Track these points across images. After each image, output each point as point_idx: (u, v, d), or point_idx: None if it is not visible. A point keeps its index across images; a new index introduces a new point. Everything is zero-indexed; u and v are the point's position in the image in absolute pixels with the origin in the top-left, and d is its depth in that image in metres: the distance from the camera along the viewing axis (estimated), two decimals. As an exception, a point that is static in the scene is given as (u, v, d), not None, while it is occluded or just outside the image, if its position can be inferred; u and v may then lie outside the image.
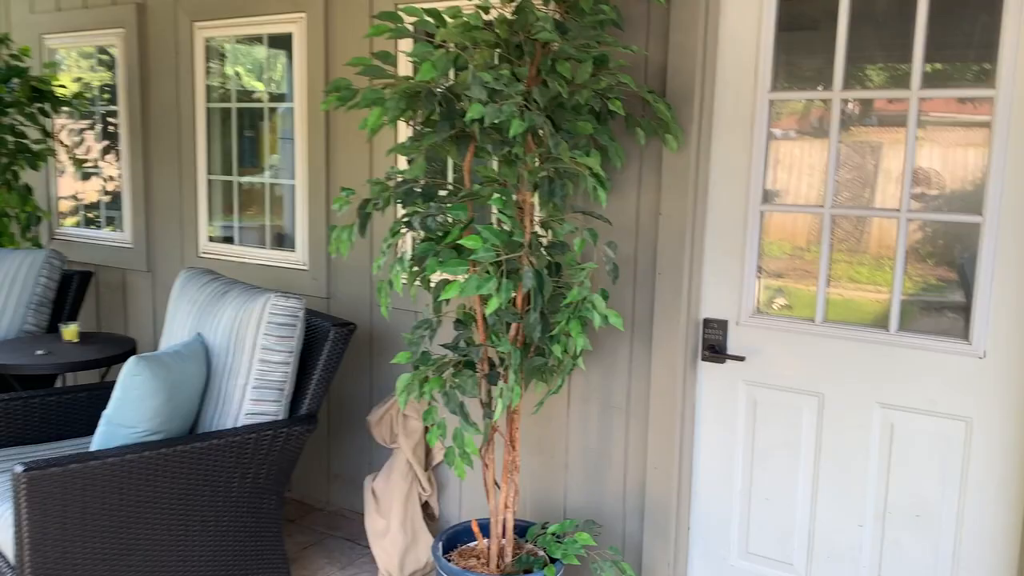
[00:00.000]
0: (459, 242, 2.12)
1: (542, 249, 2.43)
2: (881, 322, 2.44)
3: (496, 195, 2.25)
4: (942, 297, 2.37)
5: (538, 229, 2.53)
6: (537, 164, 2.29)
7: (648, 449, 2.73)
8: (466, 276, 2.15)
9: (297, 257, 3.65)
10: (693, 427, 2.76)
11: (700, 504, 2.78)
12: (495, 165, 2.45)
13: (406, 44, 3.12)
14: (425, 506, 3.22)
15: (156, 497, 2.41)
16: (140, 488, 2.37)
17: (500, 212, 2.23)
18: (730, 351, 2.65)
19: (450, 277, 2.86)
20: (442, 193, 2.40)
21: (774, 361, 2.59)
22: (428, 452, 3.23)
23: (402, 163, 3.23)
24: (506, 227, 2.26)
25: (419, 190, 2.33)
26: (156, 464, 2.38)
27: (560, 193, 2.44)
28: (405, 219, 2.30)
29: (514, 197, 2.35)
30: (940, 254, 2.36)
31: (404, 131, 3.15)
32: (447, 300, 2.31)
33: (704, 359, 2.68)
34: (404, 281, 2.29)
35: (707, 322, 2.67)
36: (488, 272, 2.18)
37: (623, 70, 2.54)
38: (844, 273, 2.50)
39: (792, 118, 2.56)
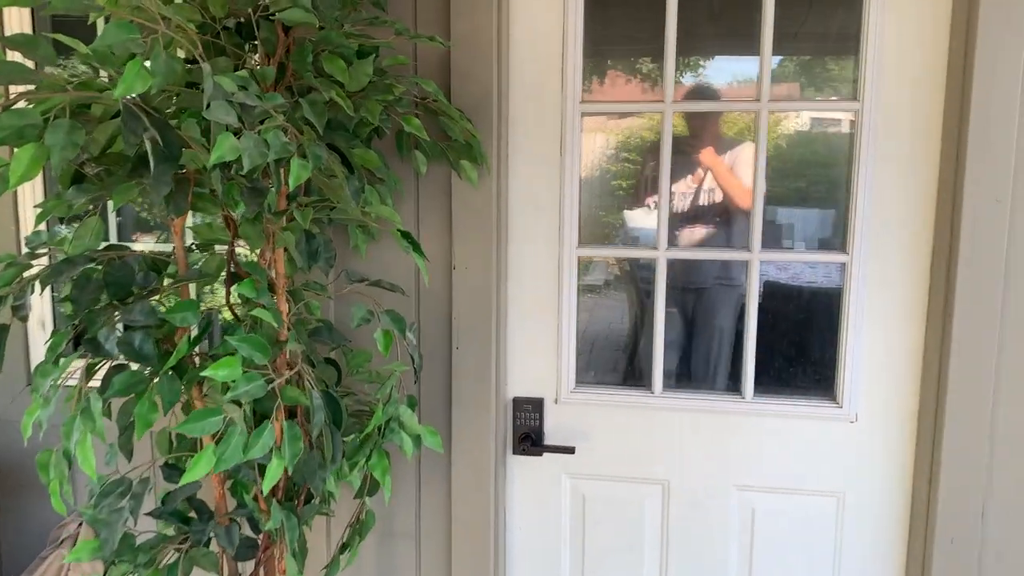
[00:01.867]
0: (205, 373, 1.20)
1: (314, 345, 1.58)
2: (734, 387, 1.99)
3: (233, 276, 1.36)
4: (806, 353, 1.99)
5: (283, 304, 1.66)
6: (307, 216, 1.43)
7: (452, 583, 2.02)
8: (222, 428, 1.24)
9: None
10: (506, 541, 2.10)
11: (518, 635, 2.14)
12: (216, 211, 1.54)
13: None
14: None
15: None
16: None
17: (256, 305, 1.35)
18: (549, 440, 2.03)
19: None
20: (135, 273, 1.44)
21: (605, 445, 2.03)
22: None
23: (30, 205, 2.10)
24: (268, 322, 1.39)
25: (99, 273, 1.34)
26: None
27: (325, 254, 1.61)
28: (78, 330, 1.30)
29: (267, 271, 1.48)
30: (802, 300, 1.97)
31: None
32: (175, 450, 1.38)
33: (517, 452, 2.02)
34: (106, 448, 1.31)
35: (517, 403, 2.02)
36: (245, 413, 1.29)
37: (395, 72, 1.77)
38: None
39: (614, 133, 1.99)
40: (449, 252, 1.91)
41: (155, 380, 1.30)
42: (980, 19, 1.64)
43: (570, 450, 1.97)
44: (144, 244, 2.83)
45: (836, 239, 2.31)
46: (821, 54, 2.05)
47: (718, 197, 2.48)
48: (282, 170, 1.44)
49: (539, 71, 1.91)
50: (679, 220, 2.46)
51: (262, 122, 1.26)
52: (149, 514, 1.56)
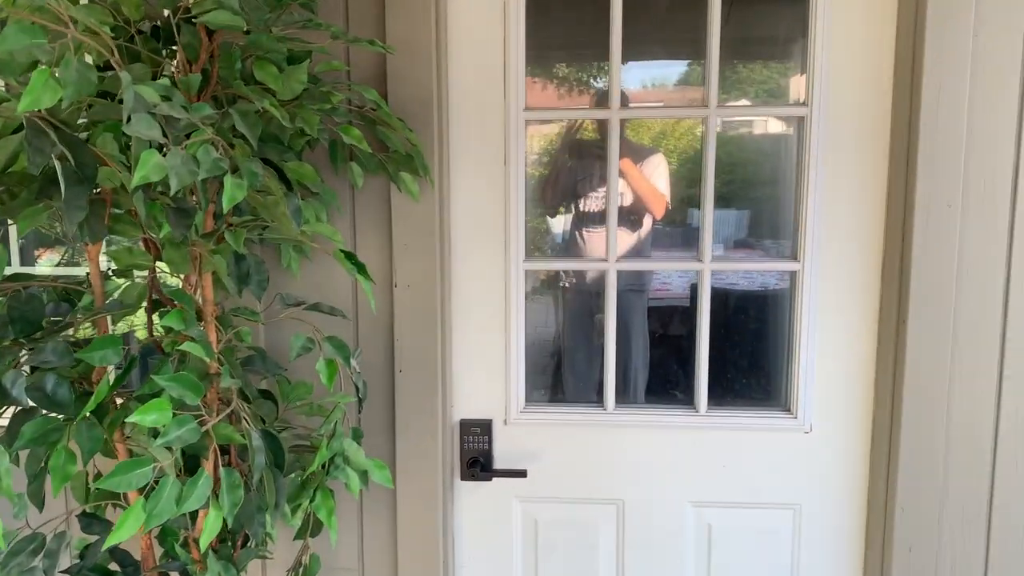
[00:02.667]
0: (131, 419, 1.07)
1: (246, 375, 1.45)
2: (687, 400, 1.94)
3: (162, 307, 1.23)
4: (758, 363, 1.94)
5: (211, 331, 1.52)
6: (240, 238, 1.30)
7: (400, 619, 1.90)
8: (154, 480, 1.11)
9: None
10: (456, 572, 2.00)
11: (470, 669, 2.04)
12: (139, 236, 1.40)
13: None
14: None
15: None
16: None
17: (183, 338, 1.22)
18: (499, 463, 1.94)
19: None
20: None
21: (557, 466, 1.94)
22: None
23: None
24: (199, 356, 1.26)
25: (3, 307, 1.19)
26: None
27: (256, 276, 1.48)
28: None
29: (194, 296, 1.35)
30: (751, 310, 1.93)
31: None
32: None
33: (465, 478, 1.92)
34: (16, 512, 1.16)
35: (465, 426, 1.92)
36: (176, 458, 1.16)
37: (329, 78, 1.65)
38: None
39: (555, 140, 1.92)
40: (390, 270, 1.80)
41: (71, 426, 1.15)
42: (927, 22, 1.63)
43: (521, 473, 1.88)
44: (49, 262, 2.62)
45: (752, 239, 2.29)
46: (765, 58, 2.02)
47: (628, 201, 2.45)
48: (210, 188, 1.31)
49: (480, 77, 1.82)
50: (592, 223, 2.42)
51: (188, 136, 1.13)
52: (66, 571, 1.40)
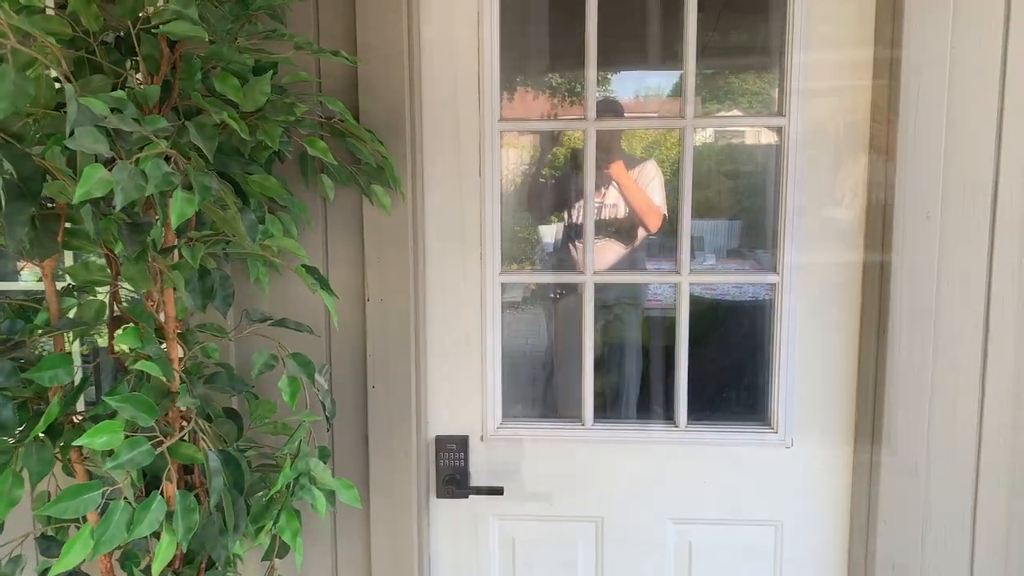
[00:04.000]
0: (79, 442, 1.03)
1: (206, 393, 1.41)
2: (666, 415, 1.91)
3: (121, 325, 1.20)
4: (744, 375, 1.92)
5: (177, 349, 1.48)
6: (198, 254, 1.27)
7: (376, 641, 1.86)
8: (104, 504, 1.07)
9: None
10: (432, 591, 1.96)
11: None
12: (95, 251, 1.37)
13: None
14: None
15: None
16: None
17: (142, 359, 1.19)
18: (476, 480, 1.90)
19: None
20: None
21: (535, 483, 1.91)
22: None
23: None
24: (155, 376, 1.22)
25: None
26: None
27: (222, 292, 1.45)
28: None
29: (155, 314, 1.31)
30: (739, 320, 1.90)
31: None
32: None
33: (441, 496, 1.89)
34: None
35: (440, 443, 1.89)
36: (132, 479, 1.13)
37: (298, 90, 1.62)
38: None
39: (532, 151, 1.89)
40: (362, 284, 1.76)
41: (21, 449, 1.11)
42: (905, 33, 1.61)
43: (498, 491, 1.85)
44: (34, 275, 2.59)
45: (746, 249, 2.27)
46: (758, 69, 2.00)
47: (623, 212, 2.42)
48: (169, 202, 1.28)
49: (454, 88, 1.80)
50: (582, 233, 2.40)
51: (142, 149, 1.10)
52: (21, 596, 1.37)
